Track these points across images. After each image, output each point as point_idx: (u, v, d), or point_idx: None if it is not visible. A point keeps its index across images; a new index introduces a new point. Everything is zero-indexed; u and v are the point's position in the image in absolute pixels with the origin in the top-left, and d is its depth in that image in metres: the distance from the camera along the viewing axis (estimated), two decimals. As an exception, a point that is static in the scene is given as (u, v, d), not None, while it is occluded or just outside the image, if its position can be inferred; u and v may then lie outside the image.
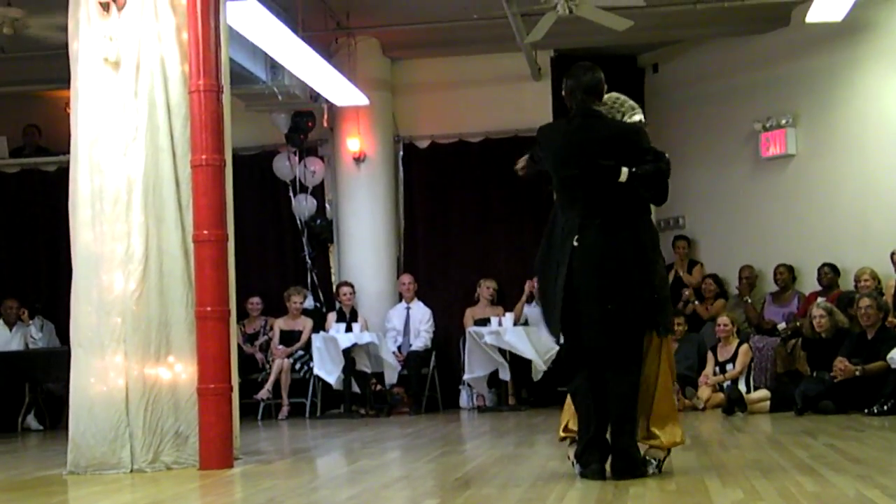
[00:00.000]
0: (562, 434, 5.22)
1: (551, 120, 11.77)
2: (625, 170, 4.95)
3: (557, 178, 5.12)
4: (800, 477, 4.76)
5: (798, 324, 9.83)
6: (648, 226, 5.14)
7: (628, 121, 5.23)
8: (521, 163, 5.46)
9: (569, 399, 5.15)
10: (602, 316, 4.89)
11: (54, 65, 7.47)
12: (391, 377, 10.84)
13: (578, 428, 5.02)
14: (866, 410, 8.15)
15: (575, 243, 4.92)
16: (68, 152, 6.40)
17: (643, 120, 5.31)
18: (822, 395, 8.55)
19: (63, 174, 6.46)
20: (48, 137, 12.18)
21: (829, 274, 10.42)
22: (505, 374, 10.63)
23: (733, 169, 11.55)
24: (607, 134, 5.09)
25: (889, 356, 8.35)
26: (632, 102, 5.33)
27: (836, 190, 10.77)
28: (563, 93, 5.16)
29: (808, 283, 10.77)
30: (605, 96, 5.26)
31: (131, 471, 6.02)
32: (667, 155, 5.10)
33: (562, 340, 5.04)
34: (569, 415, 5.17)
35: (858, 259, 10.11)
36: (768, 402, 9.03)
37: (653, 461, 5.01)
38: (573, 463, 5.05)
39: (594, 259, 4.92)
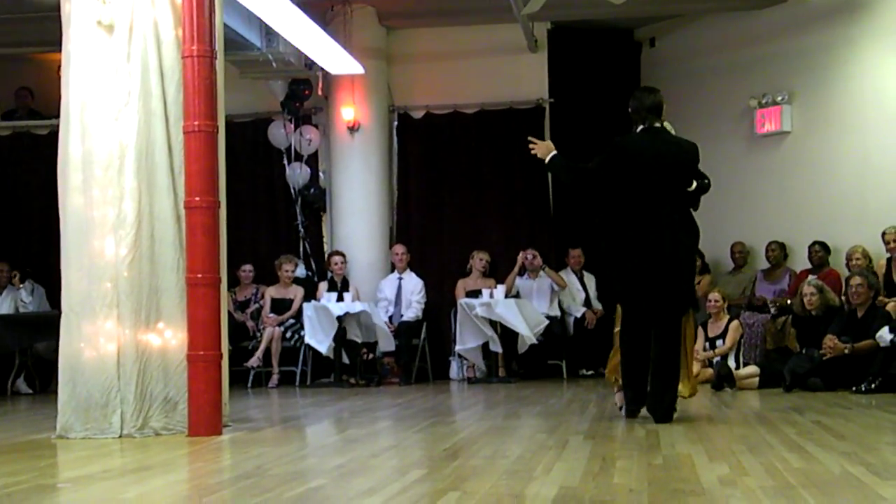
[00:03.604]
0: (614, 378, 6.58)
1: (547, 92, 11.80)
2: (694, 182, 6.28)
3: (640, 183, 6.15)
4: (786, 453, 4.79)
5: (788, 301, 9.86)
6: (696, 227, 6.37)
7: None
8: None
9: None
10: (676, 295, 6.20)
11: (47, 27, 7.40)
12: (387, 345, 10.80)
13: (629, 379, 6.29)
14: (854, 388, 8.19)
15: (658, 239, 6.11)
16: (60, 116, 6.36)
17: None
18: (810, 372, 8.59)
19: (55, 138, 6.41)
20: (40, 100, 12.11)
21: (819, 252, 10.43)
22: (496, 347, 10.64)
23: (728, 145, 11.53)
24: (681, 146, 6.36)
25: (878, 335, 8.38)
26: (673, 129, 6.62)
27: (830, 168, 10.77)
28: (630, 110, 6.37)
29: (800, 260, 10.79)
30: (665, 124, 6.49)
31: (120, 436, 6.03)
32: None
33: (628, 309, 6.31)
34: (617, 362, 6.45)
35: (851, 237, 10.12)
36: (757, 379, 9.06)
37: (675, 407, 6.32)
38: (620, 407, 6.49)
39: (671, 251, 6.14)
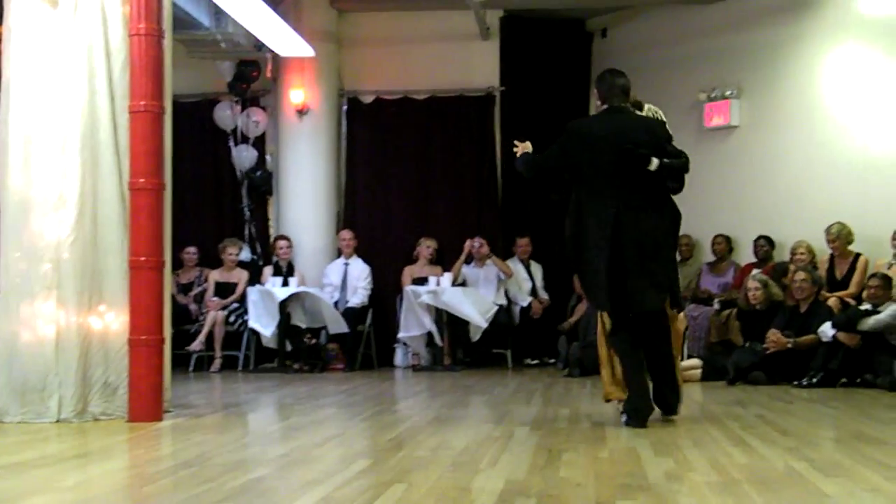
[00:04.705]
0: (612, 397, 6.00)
1: (498, 80, 11.77)
2: (655, 160, 5.70)
3: (593, 166, 5.70)
4: (730, 448, 4.82)
5: (733, 296, 9.94)
6: (673, 210, 5.93)
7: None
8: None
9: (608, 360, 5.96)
10: (647, 286, 5.66)
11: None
12: (338, 328, 10.66)
13: (629, 382, 5.71)
14: (796, 382, 8.29)
15: (617, 226, 5.59)
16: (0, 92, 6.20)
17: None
18: (753, 365, 8.68)
19: (-6, 114, 6.25)
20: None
21: (764, 246, 10.53)
22: (438, 339, 10.59)
23: (677, 137, 11.29)
24: (640, 124, 5.91)
25: (820, 330, 8.49)
26: (661, 113, 6.42)
27: (777, 162, 10.87)
28: (597, 91, 5.98)
29: (745, 254, 10.88)
30: (646, 107, 6.27)
31: (57, 421, 5.91)
32: (686, 153, 5.94)
33: (607, 308, 5.79)
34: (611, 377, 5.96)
35: (795, 232, 10.22)
36: (699, 371, 9.13)
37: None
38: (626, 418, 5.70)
39: (635, 238, 5.63)
